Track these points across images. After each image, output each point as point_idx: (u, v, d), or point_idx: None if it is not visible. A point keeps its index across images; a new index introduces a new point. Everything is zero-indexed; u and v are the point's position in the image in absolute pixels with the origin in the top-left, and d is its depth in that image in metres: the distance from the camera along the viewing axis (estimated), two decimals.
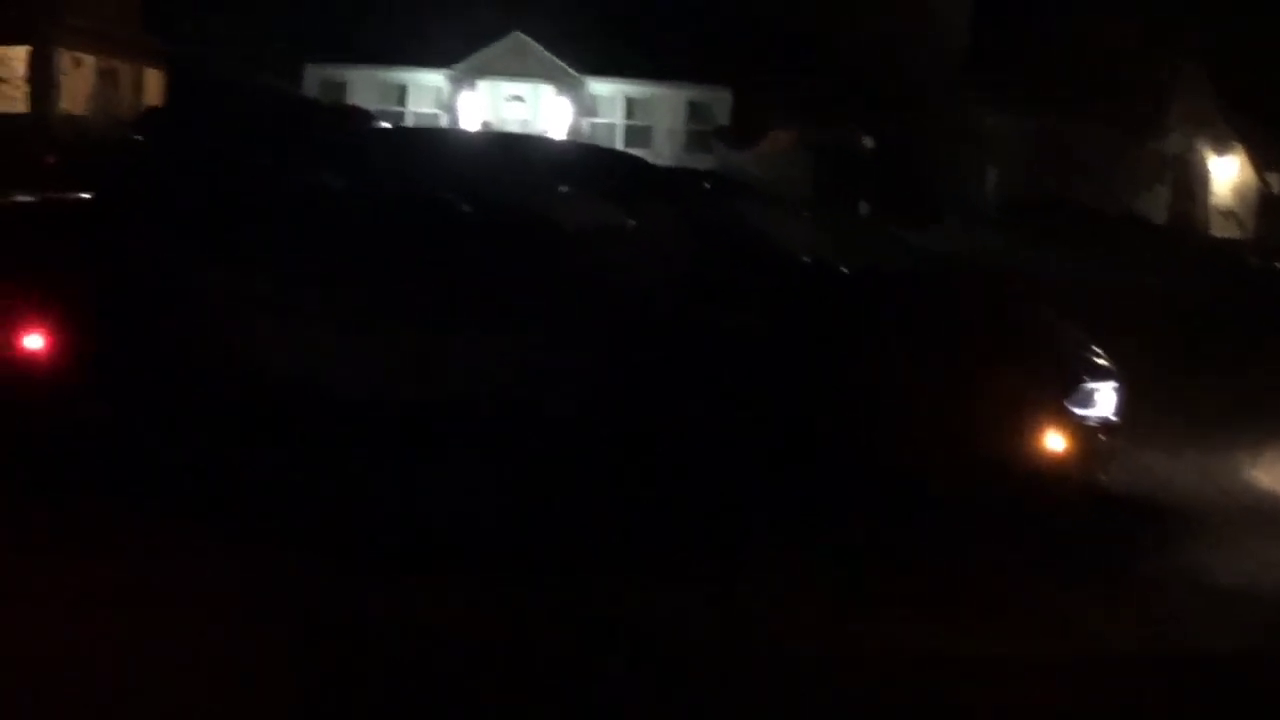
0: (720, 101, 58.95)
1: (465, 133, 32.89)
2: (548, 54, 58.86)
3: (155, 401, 8.80)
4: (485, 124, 56.05)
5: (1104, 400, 8.97)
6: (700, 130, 58.74)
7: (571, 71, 58.71)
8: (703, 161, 52.90)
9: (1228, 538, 9.34)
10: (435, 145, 11.70)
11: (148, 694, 5.63)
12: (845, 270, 10.07)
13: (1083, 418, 8.84)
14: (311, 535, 7.74)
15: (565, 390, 8.89)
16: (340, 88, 58.52)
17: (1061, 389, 8.84)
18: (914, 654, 6.88)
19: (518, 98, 59.56)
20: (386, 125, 28.80)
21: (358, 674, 6.03)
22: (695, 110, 59.54)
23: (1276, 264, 37.11)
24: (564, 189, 10.05)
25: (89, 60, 46.06)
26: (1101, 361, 9.25)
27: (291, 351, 8.83)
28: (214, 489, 8.39)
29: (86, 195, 10.05)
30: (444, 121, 57.29)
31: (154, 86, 49.58)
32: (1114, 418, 9.03)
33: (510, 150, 11.20)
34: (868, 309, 9.41)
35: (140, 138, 27.53)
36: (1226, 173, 45.27)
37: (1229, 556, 8.86)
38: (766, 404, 8.84)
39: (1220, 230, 44.82)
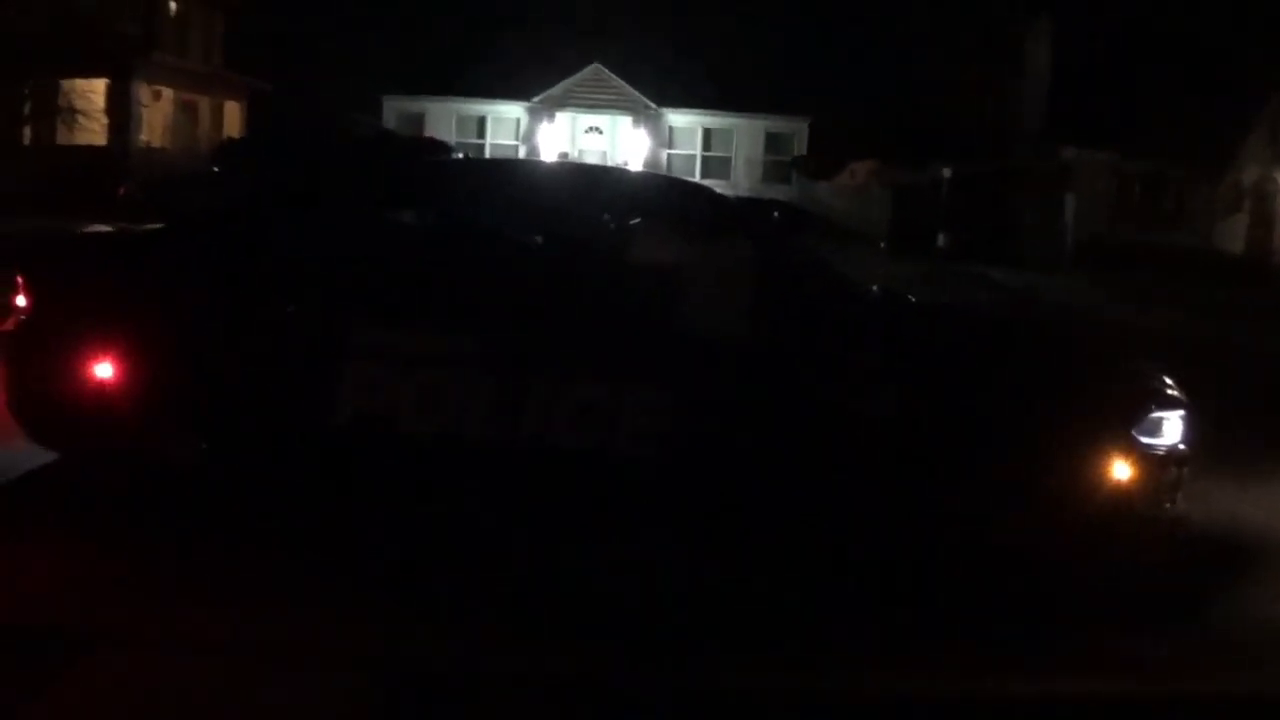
0: (798, 133, 59.04)
1: (532, 163, 32.87)
2: (626, 85, 59.12)
3: (246, 440, 8.74)
4: (563, 155, 56.29)
5: (1172, 429, 8.85)
6: (778, 161, 58.76)
7: (649, 103, 58.90)
8: (780, 193, 52.95)
9: None
10: (501, 175, 11.63)
11: None
12: (912, 301, 9.94)
13: (1150, 446, 8.72)
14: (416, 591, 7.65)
15: (644, 437, 8.73)
16: (418, 119, 58.91)
17: (1129, 417, 8.73)
18: (985, 698, 6.84)
19: (596, 129, 59.82)
20: (460, 156, 28.92)
21: None
22: (772, 141, 59.61)
23: None
24: (636, 221, 10.02)
25: (168, 93, 46.45)
26: (1171, 391, 9.14)
27: (367, 389, 8.74)
28: (320, 538, 8.33)
29: (161, 225, 10.06)
30: (522, 153, 57.59)
31: (233, 119, 50.09)
32: (1183, 446, 8.89)
33: (585, 181, 11.06)
34: (933, 340, 9.32)
35: (218, 169, 27.80)
36: None
37: None
38: (843, 440, 8.69)
39: None
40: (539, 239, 9.94)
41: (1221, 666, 7.47)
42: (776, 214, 10.16)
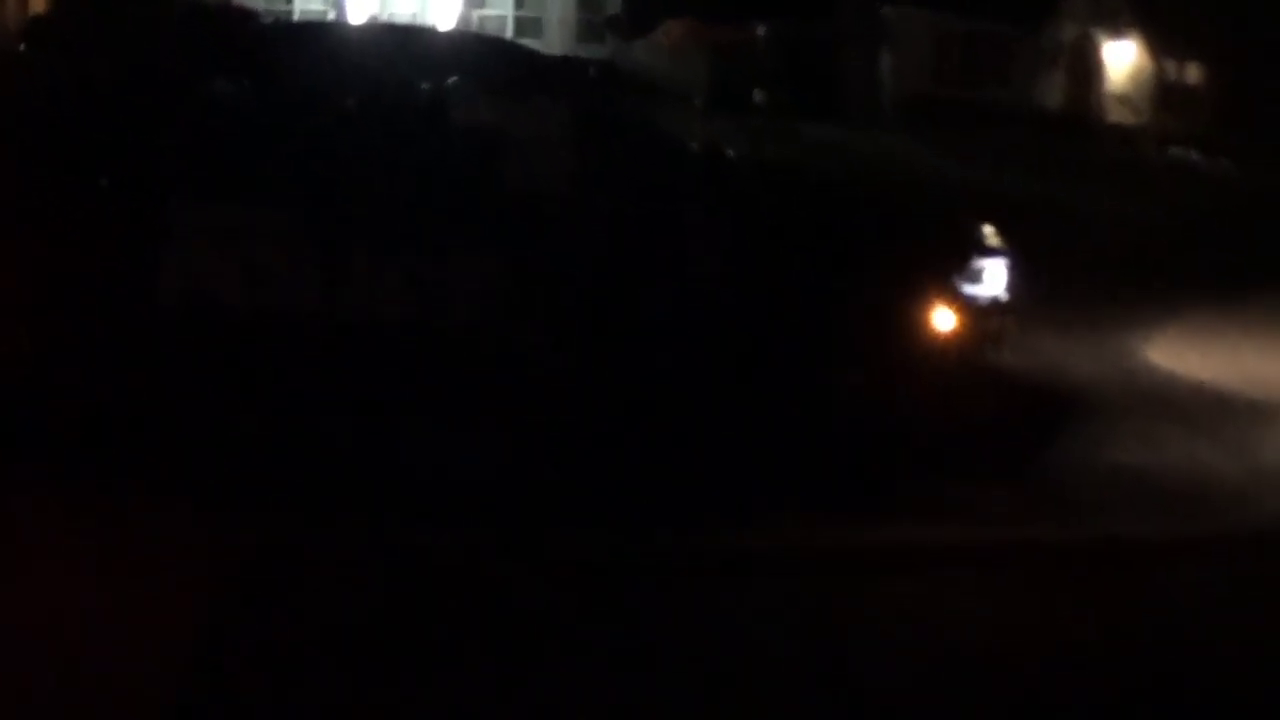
0: None
1: (345, 25, 32.38)
2: None
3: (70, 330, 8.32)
4: (373, 18, 55.29)
5: (994, 278, 8.70)
6: (591, 20, 58.27)
7: None
8: (595, 53, 52.48)
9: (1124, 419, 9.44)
10: (314, 40, 11.25)
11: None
12: (732, 158, 9.84)
13: (973, 296, 8.57)
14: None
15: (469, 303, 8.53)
16: None
17: (951, 266, 8.57)
18: (821, 550, 6.97)
19: None
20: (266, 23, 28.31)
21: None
22: (586, 0, 59.08)
23: (1171, 151, 37.28)
24: (452, 81, 9.71)
25: None
26: (991, 240, 9.03)
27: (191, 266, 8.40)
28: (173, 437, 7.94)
29: None
30: (331, 16, 56.46)
31: None
32: (1006, 296, 8.74)
33: (397, 43, 10.86)
34: (754, 196, 9.15)
35: (26, 48, 27.02)
36: (1122, 59, 45.35)
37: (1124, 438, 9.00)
38: (670, 297, 8.54)
39: (1115, 117, 44.93)
40: (353, 103, 9.44)
41: (1048, 513, 7.71)
42: (592, 71, 10.01)
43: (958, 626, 6.10)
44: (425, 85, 9.57)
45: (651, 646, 5.74)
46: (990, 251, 8.83)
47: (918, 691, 5.45)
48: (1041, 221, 17.13)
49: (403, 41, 11.22)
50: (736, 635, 5.90)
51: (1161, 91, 44.22)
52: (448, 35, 20.68)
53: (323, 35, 14.10)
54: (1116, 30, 44.72)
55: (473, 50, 11.11)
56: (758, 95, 41.83)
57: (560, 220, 8.54)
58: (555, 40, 54.61)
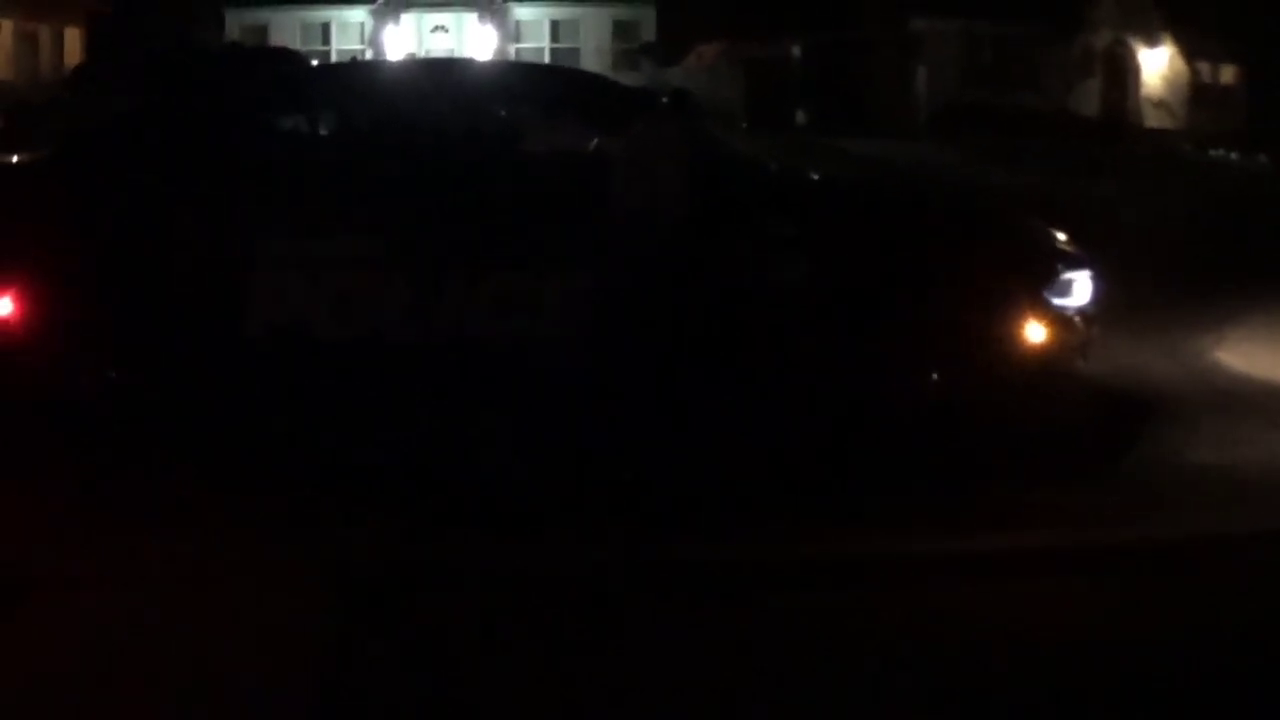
0: (645, 18, 58.59)
1: (420, 61, 32.35)
2: None
3: (158, 362, 8.58)
4: (410, 56, 55.52)
5: (1080, 289, 8.96)
6: (626, 49, 58.35)
7: None
8: (631, 80, 52.60)
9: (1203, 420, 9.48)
10: (389, 76, 11.49)
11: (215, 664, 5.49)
12: (818, 180, 10.00)
13: (1062, 307, 8.84)
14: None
15: (574, 325, 8.79)
16: (261, 30, 57.83)
17: (1040, 280, 8.83)
18: (910, 558, 6.91)
19: (442, 28, 59.00)
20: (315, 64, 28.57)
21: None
22: (620, 29, 59.08)
23: (1210, 152, 37.27)
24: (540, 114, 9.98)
25: (6, 24, 45.08)
26: (1075, 251, 9.24)
27: (280, 300, 8.69)
28: (230, 449, 8.22)
29: (23, 157, 9.79)
30: (369, 57, 56.69)
31: (74, 46, 48.74)
32: (1091, 306, 9.02)
33: (480, 78, 11.04)
34: (842, 212, 9.39)
35: (72, 95, 27.17)
36: (1156, 63, 45.38)
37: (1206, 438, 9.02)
38: (770, 313, 8.79)
39: (1152, 120, 44.96)
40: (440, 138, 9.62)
41: (1137, 514, 7.66)
42: (665, 99, 10.14)
43: (1045, 629, 6.08)
44: (510, 115, 9.95)
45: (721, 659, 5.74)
46: (1075, 262, 9.05)
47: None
48: (1094, 226, 17.27)
49: (488, 75, 11.60)
50: (834, 635, 5.95)
51: (1196, 93, 44.29)
52: (533, 67, 20.51)
53: (401, 71, 14.15)
54: (1149, 35, 44.75)
55: (557, 81, 11.41)
56: (799, 114, 41.84)
57: (661, 240, 8.73)
58: (591, 70, 54.79)
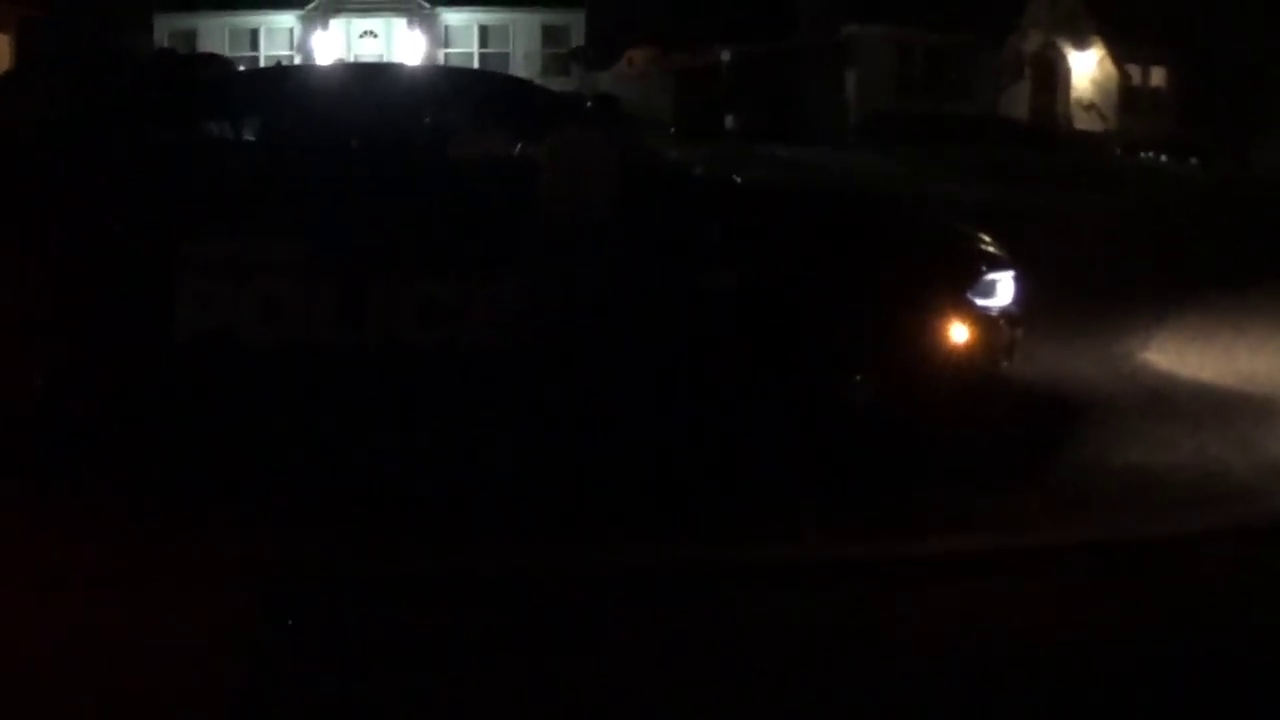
0: (575, 23, 58.56)
1: (345, 65, 32.24)
2: None
3: (86, 368, 8.47)
4: (339, 61, 55.32)
5: (1004, 290, 8.93)
6: (556, 54, 58.32)
7: (424, 3, 58.04)
8: (561, 85, 52.55)
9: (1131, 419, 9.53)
10: (313, 81, 11.34)
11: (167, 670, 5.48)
12: (741, 184, 10.02)
13: (985, 308, 8.80)
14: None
15: (500, 329, 8.69)
16: (190, 36, 57.50)
17: (963, 280, 8.81)
18: (834, 562, 6.91)
19: (370, 33, 58.81)
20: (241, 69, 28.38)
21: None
22: (550, 34, 59.04)
23: (1141, 155, 37.53)
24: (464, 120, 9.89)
25: None
26: (998, 253, 9.22)
27: (208, 306, 8.57)
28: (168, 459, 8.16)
29: None
30: (297, 63, 56.42)
31: (2, 52, 48.25)
32: (1015, 307, 8.98)
33: (407, 81, 11.02)
34: (767, 215, 9.34)
35: None
36: (1086, 66, 45.67)
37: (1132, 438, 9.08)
38: (693, 315, 8.72)
39: (1082, 124, 45.23)
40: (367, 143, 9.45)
41: (1059, 518, 7.66)
42: (589, 104, 10.12)
43: (978, 634, 6.11)
44: (436, 120, 9.88)
45: (680, 657, 5.80)
46: (998, 263, 9.02)
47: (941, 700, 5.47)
48: (1018, 230, 17.34)
49: (415, 80, 11.56)
50: (755, 646, 5.92)
51: (1126, 96, 44.62)
52: (460, 72, 20.51)
53: (325, 75, 14.02)
54: (1080, 38, 45.07)
55: (484, 87, 11.48)
56: (729, 121, 41.86)
57: (583, 243, 8.61)
58: (520, 74, 54.72)
